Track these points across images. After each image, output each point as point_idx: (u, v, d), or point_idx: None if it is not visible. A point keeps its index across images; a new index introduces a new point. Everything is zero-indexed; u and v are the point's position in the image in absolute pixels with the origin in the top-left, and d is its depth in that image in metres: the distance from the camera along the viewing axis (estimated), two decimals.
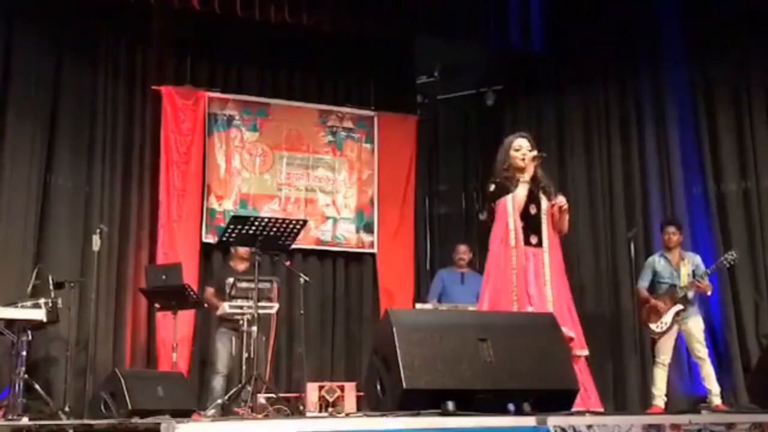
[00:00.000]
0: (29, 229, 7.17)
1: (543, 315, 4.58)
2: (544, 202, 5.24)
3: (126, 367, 7.36)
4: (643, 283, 7.22)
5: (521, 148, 5.27)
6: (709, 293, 7.10)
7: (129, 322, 7.71)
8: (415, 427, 3.12)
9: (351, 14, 7.98)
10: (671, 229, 7.19)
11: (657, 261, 7.22)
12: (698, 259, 7.16)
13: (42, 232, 7.29)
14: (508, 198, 5.13)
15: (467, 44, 8.70)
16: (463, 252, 8.26)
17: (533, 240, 5.12)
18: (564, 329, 4.85)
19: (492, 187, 5.24)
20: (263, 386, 6.56)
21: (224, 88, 8.62)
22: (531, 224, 5.15)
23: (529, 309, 4.87)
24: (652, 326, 7.02)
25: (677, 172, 8.01)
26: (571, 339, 4.92)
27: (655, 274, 7.18)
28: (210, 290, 7.46)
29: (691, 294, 6.97)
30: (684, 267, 7.05)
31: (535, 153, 5.24)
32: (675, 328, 6.99)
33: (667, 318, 6.96)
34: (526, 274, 5.00)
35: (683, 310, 6.95)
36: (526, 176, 5.17)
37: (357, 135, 9.06)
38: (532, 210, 5.18)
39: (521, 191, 5.14)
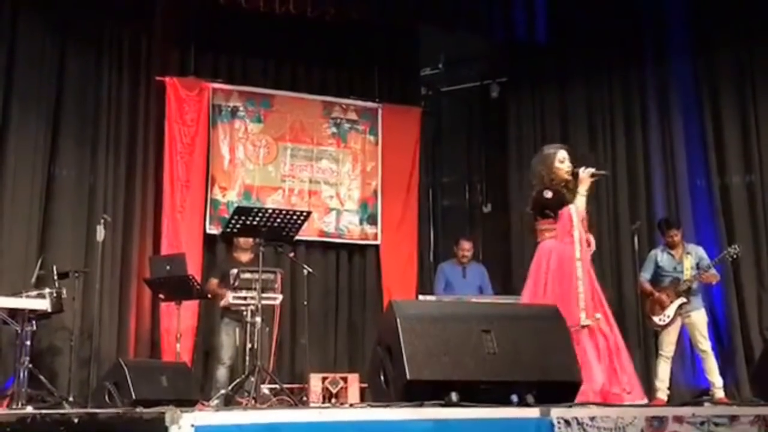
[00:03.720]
0: (33, 219, 7.20)
1: (546, 306, 4.58)
2: None
3: (130, 357, 7.36)
4: (645, 275, 7.21)
5: (565, 160, 5.39)
6: (714, 282, 7.11)
7: (133, 312, 7.72)
8: (419, 417, 3.12)
9: (355, 5, 7.97)
10: (673, 231, 7.17)
11: (659, 255, 7.21)
12: (702, 251, 7.16)
13: (46, 222, 7.31)
14: (572, 209, 5.22)
15: (471, 36, 8.69)
16: (467, 248, 8.23)
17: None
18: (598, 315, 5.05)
19: (549, 194, 5.28)
20: (267, 377, 6.56)
21: (228, 79, 8.60)
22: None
23: (597, 315, 5.06)
24: (655, 319, 7.03)
25: (681, 164, 8.01)
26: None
27: (657, 267, 7.18)
28: (214, 281, 7.46)
29: (694, 286, 6.97)
30: (687, 260, 7.05)
31: (593, 170, 5.33)
32: (678, 320, 6.99)
33: (671, 311, 6.96)
34: (592, 282, 5.18)
35: (686, 303, 6.96)
36: (583, 189, 5.28)
37: (361, 127, 9.04)
38: None
39: (582, 203, 5.26)
